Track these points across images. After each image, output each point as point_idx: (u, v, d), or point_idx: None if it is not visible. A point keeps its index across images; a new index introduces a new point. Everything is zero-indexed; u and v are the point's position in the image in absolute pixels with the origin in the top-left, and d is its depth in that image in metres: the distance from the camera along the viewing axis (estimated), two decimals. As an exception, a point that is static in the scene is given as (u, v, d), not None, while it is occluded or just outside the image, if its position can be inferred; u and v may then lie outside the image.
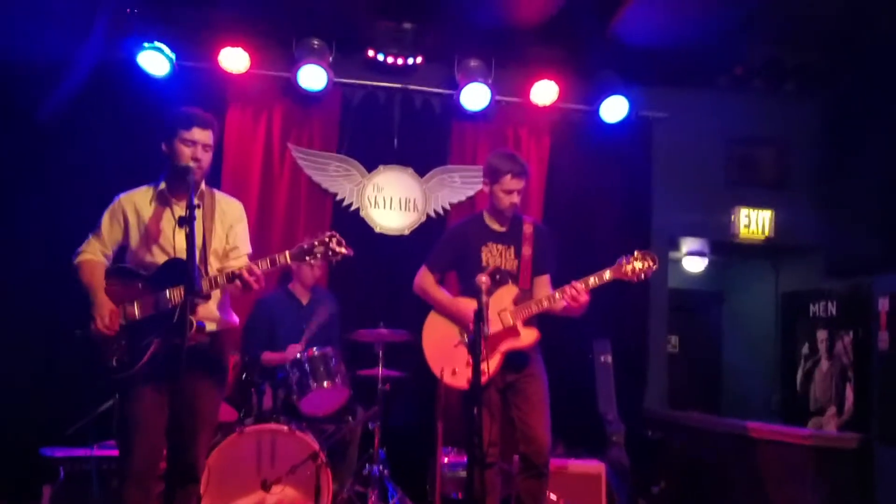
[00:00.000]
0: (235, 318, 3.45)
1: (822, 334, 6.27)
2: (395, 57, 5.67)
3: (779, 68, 6.19)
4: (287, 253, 3.13)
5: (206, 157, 3.24)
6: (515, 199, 3.84)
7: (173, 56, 5.21)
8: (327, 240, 3.10)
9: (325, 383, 4.33)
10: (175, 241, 3.19)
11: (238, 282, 3.08)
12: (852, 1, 5.33)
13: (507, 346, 3.72)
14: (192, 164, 3.15)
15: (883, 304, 5.70)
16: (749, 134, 6.44)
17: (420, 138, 5.85)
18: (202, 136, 3.20)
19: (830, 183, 6.21)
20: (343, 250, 3.11)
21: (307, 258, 3.11)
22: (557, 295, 3.69)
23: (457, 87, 5.67)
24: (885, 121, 5.64)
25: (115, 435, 3.81)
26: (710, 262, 7.49)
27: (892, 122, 5.58)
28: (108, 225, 3.29)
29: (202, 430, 3.25)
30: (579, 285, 3.63)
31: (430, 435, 4.56)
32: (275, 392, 4.48)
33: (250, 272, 3.07)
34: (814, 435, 4.95)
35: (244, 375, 4.56)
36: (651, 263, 3.67)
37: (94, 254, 3.27)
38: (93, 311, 3.11)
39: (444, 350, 3.75)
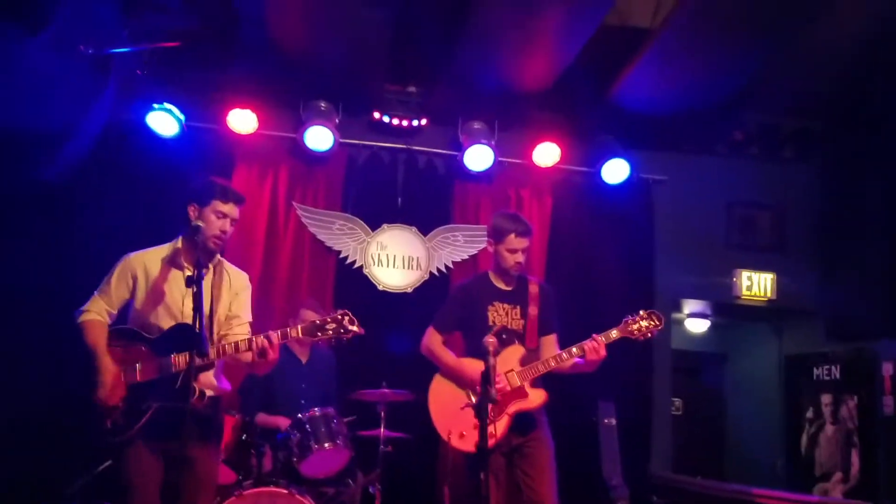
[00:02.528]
0: (228, 385, 3.44)
1: (826, 398, 6.23)
2: (401, 119, 5.81)
3: (776, 134, 6.35)
4: (299, 327, 3.15)
5: (231, 232, 3.31)
6: (520, 258, 3.86)
7: (182, 117, 5.30)
8: (340, 317, 3.13)
9: (327, 444, 4.25)
10: (182, 305, 3.20)
11: (250, 351, 3.09)
12: (847, 68, 5.47)
13: (515, 407, 3.68)
14: (218, 234, 3.23)
15: (887, 368, 5.70)
16: (749, 198, 6.52)
17: (423, 198, 5.91)
18: (234, 211, 3.29)
19: (830, 247, 6.27)
20: (355, 329, 3.13)
21: (318, 334, 3.13)
22: (565, 354, 3.68)
23: (460, 149, 5.76)
24: (882, 185, 5.72)
25: (112, 498, 3.74)
26: (712, 324, 7.48)
27: (889, 186, 5.66)
28: (116, 283, 3.29)
29: (201, 494, 3.20)
30: (600, 338, 3.62)
31: (431, 499, 4.49)
32: (275, 454, 4.39)
33: (270, 343, 3.08)
34: (821, 502, 4.86)
35: (244, 436, 4.48)
36: (657, 322, 3.68)
37: (99, 313, 3.26)
38: (97, 376, 3.09)
39: (451, 412, 3.71)
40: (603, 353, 3.64)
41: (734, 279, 6.36)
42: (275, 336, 3.12)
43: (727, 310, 6.84)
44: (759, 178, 6.48)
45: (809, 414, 6.41)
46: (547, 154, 5.88)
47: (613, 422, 5.48)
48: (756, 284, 6.35)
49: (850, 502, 5.23)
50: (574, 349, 3.68)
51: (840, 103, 5.90)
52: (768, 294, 6.35)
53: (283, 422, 4.43)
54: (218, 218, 3.24)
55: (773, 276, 6.38)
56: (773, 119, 6.34)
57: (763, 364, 7.29)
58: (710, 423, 7.78)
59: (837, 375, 6.17)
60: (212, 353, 3.11)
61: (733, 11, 4.68)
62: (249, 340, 3.13)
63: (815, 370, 6.37)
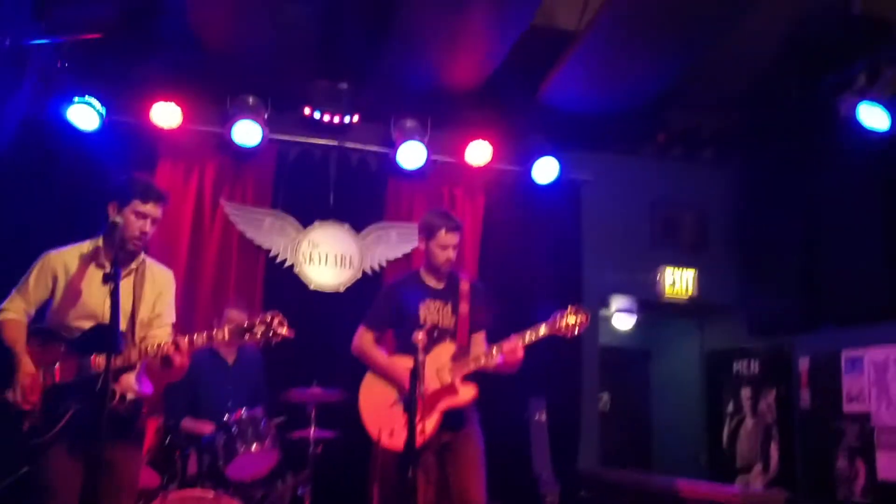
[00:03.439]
0: (150, 387, 3.33)
1: (746, 392, 6.45)
2: (332, 115, 5.70)
3: (697, 135, 6.55)
4: (226, 330, 3.07)
5: (152, 231, 3.21)
6: (451, 254, 3.87)
7: (103, 110, 5.12)
8: (269, 319, 3.05)
9: (254, 446, 4.16)
10: (103, 305, 3.08)
11: (177, 352, 3.01)
12: (765, 70, 5.68)
13: (445, 404, 3.69)
14: (137, 235, 3.14)
15: (803, 363, 5.94)
16: (671, 197, 6.71)
17: (356, 195, 5.87)
18: (156, 211, 3.19)
19: (749, 245, 6.50)
20: (284, 331, 3.06)
21: (246, 337, 3.05)
22: (494, 351, 3.69)
23: (393, 146, 5.74)
24: (798, 185, 5.95)
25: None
26: (638, 321, 7.66)
27: (805, 186, 5.90)
28: (35, 282, 3.17)
29: (121, 498, 3.11)
30: (516, 340, 3.65)
31: (362, 500, 4.44)
32: (200, 456, 4.27)
33: (177, 348, 3.00)
34: (742, 493, 5.02)
35: (168, 439, 4.35)
36: (583, 318, 3.72)
37: (17, 312, 3.15)
38: (14, 376, 2.98)
39: (380, 411, 3.69)
40: (520, 354, 3.65)
41: (658, 277, 6.53)
42: (183, 341, 3.03)
43: (651, 307, 7.03)
44: (682, 178, 6.68)
45: (730, 408, 6.62)
46: (479, 153, 5.91)
47: (544, 417, 5.55)
48: (679, 282, 6.54)
49: (771, 493, 5.42)
50: (494, 349, 3.70)
51: (758, 105, 6.11)
52: (690, 291, 6.55)
53: (208, 428, 4.33)
54: (138, 218, 3.14)
55: (695, 273, 6.58)
56: (695, 120, 6.54)
57: (686, 359, 7.50)
58: (637, 417, 7.97)
59: (757, 370, 6.39)
60: (133, 354, 3.03)
61: (656, 14, 4.80)
62: (174, 343, 3.03)
63: (735, 365, 6.59)
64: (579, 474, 5.92)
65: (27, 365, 3.01)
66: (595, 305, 6.41)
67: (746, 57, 5.52)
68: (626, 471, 6.09)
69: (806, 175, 5.86)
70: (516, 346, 3.64)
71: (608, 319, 7.54)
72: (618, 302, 7.23)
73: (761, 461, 6.19)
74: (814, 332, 5.83)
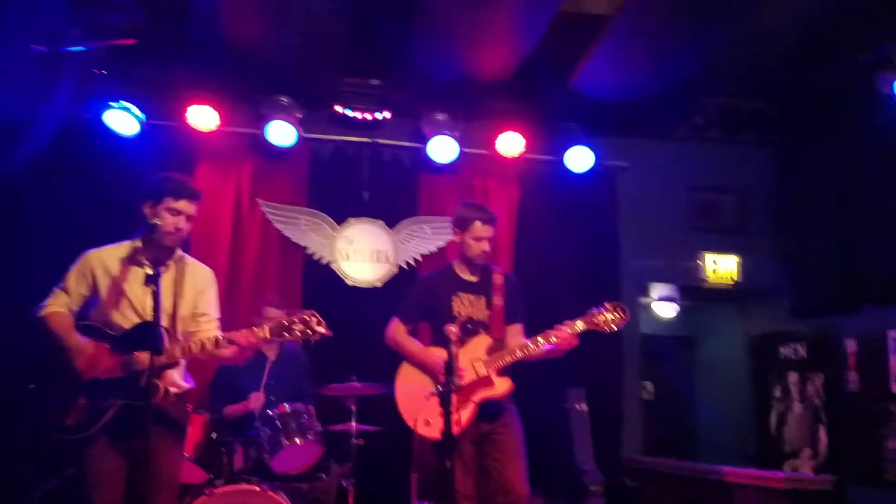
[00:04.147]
0: (193, 382, 3.42)
1: (793, 376, 6.33)
2: (363, 112, 5.76)
3: (735, 117, 6.42)
4: (266, 328, 3.14)
5: (187, 228, 3.28)
6: (486, 246, 3.87)
7: (142, 115, 5.24)
8: (307, 318, 3.11)
9: (297, 440, 4.24)
10: (144, 303, 3.16)
11: (227, 348, 3.09)
12: (802, 50, 5.55)
13: (480, 395, 3.70)
14: (173, 232, 3.20)
15: (850, 345, 5.80)
16: (710, 181, 6.60)
17: (389, 191, 5.91)
18: (189, 207, 3.25)
19: (791, 226, 6.35)
20: (321, 330, 3.12)
21: (285, 334, 3.11)
22: (532, 345, 3.69)
23: (424, 141, 5.75)
24: (838, 165, 5.81)
25: (76, 500, 3.71)
26: (680, 308, 7.56)
27: (845, 166, 5.76)
28: (76, 280, 3.26)
29: (163, 492, 3.17)
30: (567, 329, 3.64)
31: (405, 490, 4.49)
32: (245, 451, 4.37)
33: (231, 342, 3.09)
34: (789, 478, 4.95)
35: (213, 435, 4.45)
36: (622, 315, 3.69)
37: (61, 306, 3.23)
38: (69, 354, 3.07)
39: (416, 401, 3.72)
40: (576, 341, 3.66)
41: (699, 262, 6.44)
42: (241, 336, 3.11)
43: (693, 293, 6.93)
44: (720, 161, 6.55)
45: (777, 393, 6.51)
46: (511, 143, 5.89)
47: (584, 408, 5.52)
48: (720, 266, 6.44)
49: (817, 477, 5.33)
50: (540, 339, 3.69)
51: (796, 83, 5.97)
52: (733, 276, 6.44)
53: (253, 404, 4.40)
54: (172, 215, 3.21)
55: (737, 257, 6.46)
56: (732, 102, 6.42)
57: (730, 345, 7.38)
58: (682, 405, 7.87)
59: (803, 354, 6.27)
60: (176, 351, 3.10)
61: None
62: (216, 340, 3.12)
63: (780, 349, 6.47)
64: (623, 463, 5.89)
65: (79, 339, 3.08)
66: (634, 294, 6.35)
67: (782, 35, 5.39)
68: (670, 459, 6.03)
69: (845, 154, 5.72)
70: (572, 334, 3.62)
71: (649, 307, 7.46)
72: (658, 290, 7.15)
73: (810, 446, 6.07)
74: (858, 313, 5.69)
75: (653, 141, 6.46)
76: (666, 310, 7.52)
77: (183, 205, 3.23)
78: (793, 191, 6.34)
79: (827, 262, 5.89)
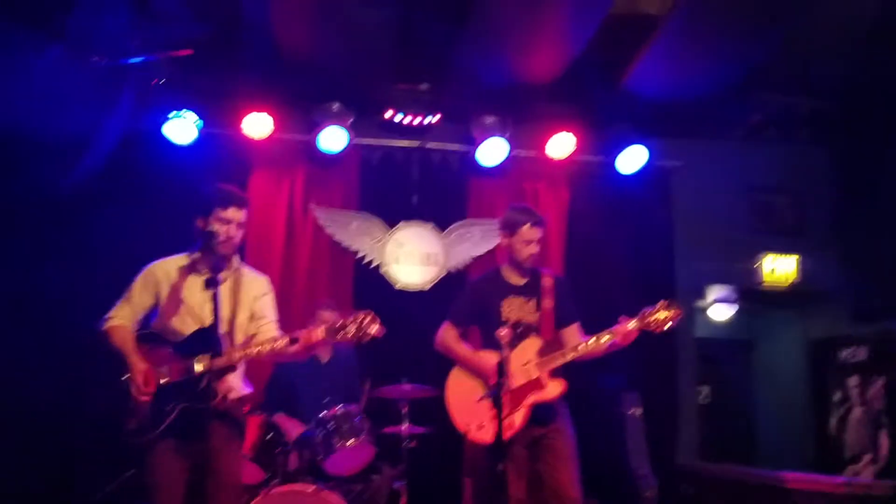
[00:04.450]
0: (251, 386, 3.52)
1: (853, 380, 6.16)
2: (413, 117, 5.81)
3: (793, 116, 6.27)
4: (322, 328, 3.20)
5: (239, 235, 3.36)
6: (535, 249, 3.86)
7: (200, 123, 5.36)
8: (360, 318, 3.16)
9: (350, 441, 4.29)
10: (202, 311, 3.26)
11: (279, 349, 3.17)
12: (860, 45, 5.39)
13: (533, 398, 3.68)
14: (225, 240, 3.28)
15: (912, 348, 5.61)
16: (767, 182, 6.47)
17: (439, 195, 5.95)
18: (237, 215, 3.33)
19: (850, 228, 6.20)
20: (374, 330, 3.15)
21: (339, 335, 3.17)
22: (583, 345, 3.66)
23: (473, 144, 5.76)
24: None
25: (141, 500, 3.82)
26: (737, 311, 7.40)
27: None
28: (140, 292, 3.38)
29: (224, 493, 3.25)
30: (619, 328, 3.61)
31: (457, 492, 4.50)
32: (300, 452, 4.44)
33: (296, 340, 3.18)
34: (849, 483, 4.81)
35: (269, 435, 4.53)
36: (675, 314, 3.63)
37: (124, 319, 3.35)
38: (128, 374, 3.18)
39: (468, 405, 3.72)
40: (633, 335, 3.62)
41: (756, 264, 6.30)
42: (303, 335, 3.19)
43: (751, 295, 6.78)
44: (778, 161, 6.42)
45: (837, 397, 6.34)
46: (561, 145, 5.86)
47: (639, 412, 5.46)
48: (779, 268, 6.29)
49: (878, 483, 5.16)
50: (592, 340, 3.66)
51: (854, 82, 5.80)
52: (791, 277, 6.29)
53: (296, 429, 4.47)
54: (221, 224, 3.29)
55: (796, 259, 6.31)
56: (790, 101, 6.26)
57: (789, 348, 7.21)
58: (739, 409, 7.70)
59: (864, 357, 6.09)
60: (234, 354, 3.19)
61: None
62: (273, 341, 3.21)
63: (841, 353, 6.30)
64: (678, 469, 5.80)
65: (138, 361, 3.19)
66: (690, 297, 6.25)
67: (840, 31, 5.25)
68: (727, 464, 5.91)
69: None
70: (632, 329, 3.59)
71: (705, 311, 7.32)
72: (715, 292, 7.00)
73: (870, 451, 5.89)
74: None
75: (708, 141, 6.36)
76: (723, 313, 7.36)
77: (231, 213, 3.31)
78: (853, 191, 6.18)
79: (889, 264, 5.71)
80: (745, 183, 6.45)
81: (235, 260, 3.45)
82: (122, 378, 3.19)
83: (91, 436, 4.68)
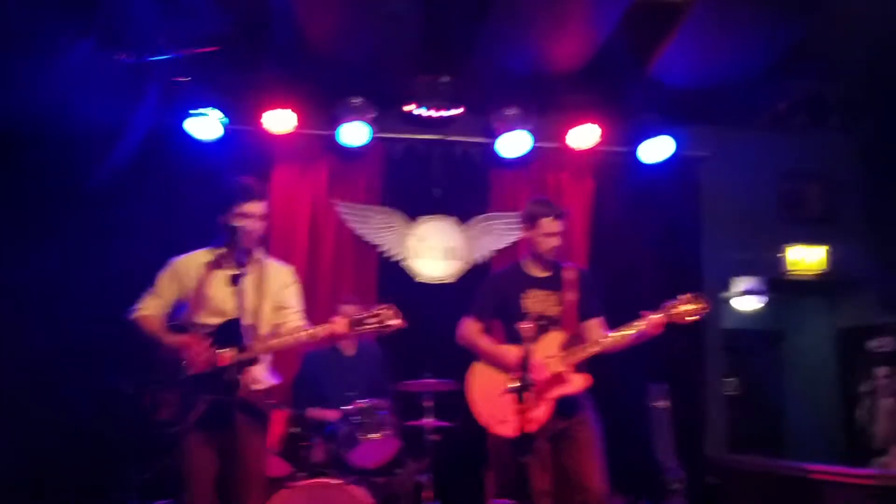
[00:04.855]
0: (278, 378, 3.55)
1: (882, 371, 6.07)
2: (435, 109, 5.79)
3: (821, 103, 6.16)
4: (346, 322, 3.23)
5: (260, 227, 3.39)
6: (556, 242, 3.83)
7: (226, 119, 5.40)
8: (382, 311, 3.18)
9: (374, 435, 4.31)
10: (229, 304, 3.28)
11: (302, 341, 3.21)
12: (889, 34, 5.27)
13: (556, 392, 3.66)
14: (248, 234, 3.30)
15: (943, 338, 5.51)
16: (796, 170, 6.39)
17: (461, 188, 5.93)
18: (256, 208, 3.36)
19: (881, 216, 6.09)
20: (395, 322, 3.18)
21: (361, 327, 3.20)
22: (606, 338, 3.64)
23: (495, 136, 5.74)
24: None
25: (169, 493, 3.89)
26: (765, 301, 7.31)
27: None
28: (167, 284, 3.44)
29: (252, 484, 3.29)
30: (644, 321, 3.58)
31: (481, 486, 4.50)
32: (325, 445, 4.47)
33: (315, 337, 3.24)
34: (878, 475, 4.74)
35: (295, 429, 4.57)
36: (701, 305, 3.60)
37: (153, 309, 3.41)
38: (173, 351, 3.22)
39: (491, 399, 3.71)
40: (659, 329, 3.58)
41: (784, 254, 6.22)
42: (322, 330, 3.23)
43: (779, 285, 6.69)
44: (806, 148, 6.34)
45: (865, 387, 6.25)
46: (586, 136, 5.81)
47: (666, 404, 5.41)
48: (808, 257, 6.20)
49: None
50: (616, 333, 3.63)
51: (884, 69, 5.68)
52: (820, 267, 6.19)
53: (332, 415, 4.51)
54: (243, 219, 3.32)
55: (825, 248, 6.22)
56: (817, 88, 6.16)
57: (818, 338, 7.13)
58: (768, 401, 7.63)
59: (893, 347, 5.99)
60: (259, 346, 3.23)
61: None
62: (297, 332, 3.26)
63: (869, 342, 6.20)
64: (706, 461, 5.77)
65: (179, 339, 3.24)
66: (717, 287, 6.19)
67: (870, 15, 5.13)
68: (755, 455, 5.85)
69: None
70: (658, 320, 3.55)
71: (732, 301, 7.24)
72: (743, 283, 6.92)
73: (900, 442, 5.80)
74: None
75: (735, 129, 6.28)
76: (750, 303, 7.28)
77: (250, 206, 3.34)
78: (883, 179, 6.06)
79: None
80: (774, 171, 6.37)
81: (259, 252, 3.48)
82: (181, 363, 3.21)
83: (127, 426, 4.76)
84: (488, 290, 4.00)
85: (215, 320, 3.30)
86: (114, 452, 4.81)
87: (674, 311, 3.59)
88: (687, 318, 3.60)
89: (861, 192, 6.31)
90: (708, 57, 5.46)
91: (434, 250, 5.83)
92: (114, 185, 5.18)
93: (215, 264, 3.39)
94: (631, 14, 5.02)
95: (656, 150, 5.77)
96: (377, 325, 3.17)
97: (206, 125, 5.35)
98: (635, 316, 3.65)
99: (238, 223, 3.29)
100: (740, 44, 5.30)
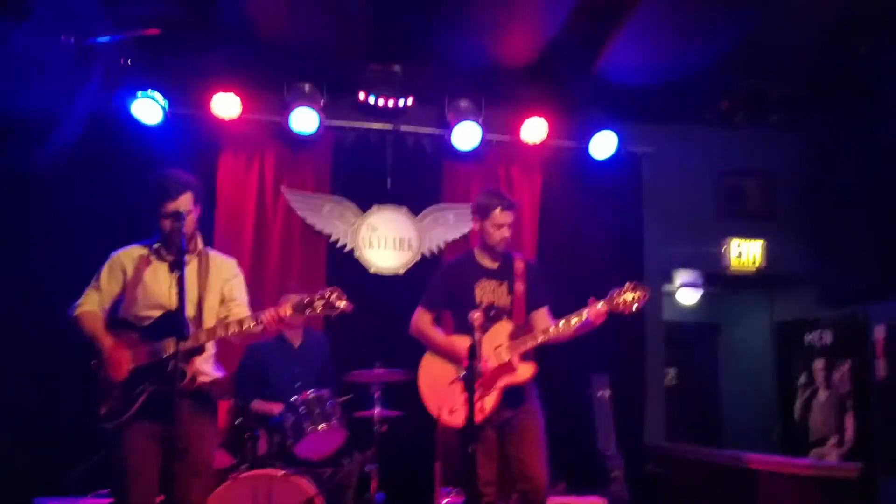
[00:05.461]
0: (223, 371, 3.50)
1: (819, 363, 6.27)
2: (386, 99, 5.74)
3: (762, 100, 6.32)
4: (289, 305, 3.19)
5: (188, 220, 3.26)
6: (506, 233, 3.86)
7: (166, 104, 5.27)
8: (328, 294, 3.15)
9: (321, 426, 4.27)
10: (169, 296, 3.22)
11: (247, 329, 3.17)
12: (830, 31, 5.44)
13: (504, 381, 3.71)
14: (177, 230, 3.17)
15: (879, 332, 5.72)
16: (737, 166, 6.53)
17: (413, 178, 5.91)
18: (177, 204, 3.23)
19: (819, 212, 6.28)
20: (342, 305, 3.15)
21: (307, 311, 3.16)
22: (553, 328, 3.69)
23: (447, 127, 5.74)
24: (870, 149, 5.71)
25: (110, 484, 3.79)
26: (704, 294, 7.51)
27: (876, 149, 5.65)
28: (107, 279, 3.35)
29: (197, 477, 3.24)
30: (587, 310, 3.63)
31: (429, 476, 4.52)
32: (270, 437, 4.42)
33: (259, 321, 3.18)
34: (814, 465, 4.92)
35: (238, 421, 4.50)
36: (642, 294, 3.67)
37: (93, 306, 3.33)
38: (100, 357, 3.18)
39: (440, 389, 3.74)
40: (602, 317, 3.63)
41: (724, 248, 6.38)
42: (265, 316, 3.18)
43: (718, 279, 6.87)
44: (747, 145, 6.47)
45: (802, 380, 6.46)
46: (535, 130, 5.85)
47: (607, 394, 5.52)
48: (745, 253, 6.37)
49: (844, 465, 5.28)
50: (562, 322, 3.68)
51: (825, 66, 5.86)
52: (758, 262, 6.37)
53: (277, 408, 4.46)
54: (167, 219, 3.23)
55: (762, 243, 6.39)
56: (760, 85, 6.32)
57: (755, 332, 7.34)
58: (705, 392, 7.84)
59: (829, 341, 6.20)
60: (201, 336, 3.18)
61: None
62: (241, 321, 3.21)
63: (806, 336, 6.41)
64: (646, 450, 5.89)
65: (109, 343, 3.19)
66: (659, 281, 6.31)
67: (811, 15, 5.29)
68: (694, 445, 6.01)
69: (877, 138, 5.61)
70: (602, 308, 3.60)
71: (673, 294, 7.41)
72: (683, 276, 7.09)
73: (836, 434, 6.02)
74: (888, 300, 5.61)
75: (679, 126, 6.39)
76: (690, 296, 7.47)
77: (174, 203, 3.22)
78: (822, 175, 6.25)
79: (857, 249, 5.80)
80: (716, 168, 6.51)
81: (199, 242, 3.42)
82: (92, 362, 3.17)
83: (62, 422, 4.64)
84: (440, 280, 4.01)
85: (156, 312, 3.25)
86: (54, 444, 4.69)
87: (617, 299, 3.65)
88: (629, 307, 3.66)
89: (801, 188, 6.47)
90: (653, 53, 5.54)
91: (385, 241, 5.79)
92: (56, 170, 5.03)
93: (155, 256, 3.35)
94: (580, 9, 5.05)
95: (602, 145, 5.86)
96: (323, 308, 3.14)
97: (150, 109, 5.21)
98: (581, 306, 3.71)
99: (163, 223, 3.24)
100: (685, 41, 5.38)
